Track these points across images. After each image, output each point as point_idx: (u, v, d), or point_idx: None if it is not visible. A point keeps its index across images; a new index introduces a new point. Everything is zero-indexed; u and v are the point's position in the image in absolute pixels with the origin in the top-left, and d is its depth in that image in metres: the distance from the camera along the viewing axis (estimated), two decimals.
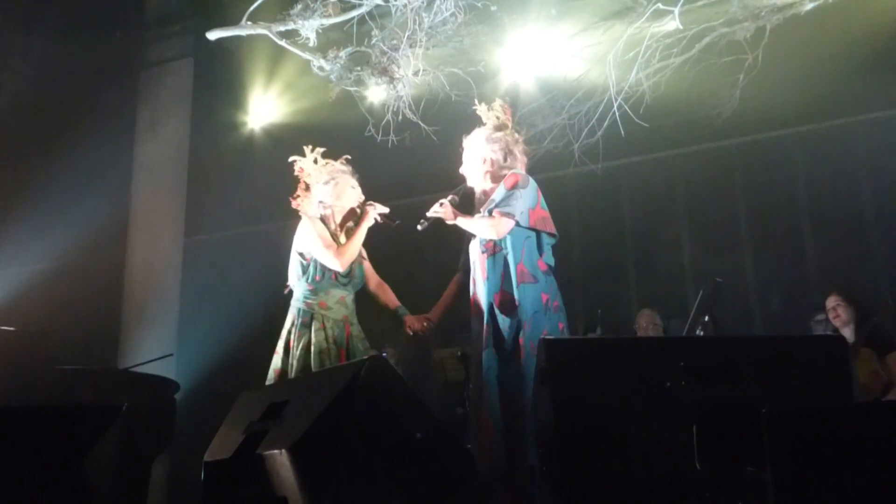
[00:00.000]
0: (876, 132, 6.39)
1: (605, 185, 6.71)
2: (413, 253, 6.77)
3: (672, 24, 5.37)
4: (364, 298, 4.53)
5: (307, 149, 4.61)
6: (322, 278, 4.29)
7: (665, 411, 2.63)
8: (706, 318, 5.37)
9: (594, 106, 5.69)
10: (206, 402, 6.71)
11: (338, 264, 4.24)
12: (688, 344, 3.62)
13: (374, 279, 4.52)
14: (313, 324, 4.23)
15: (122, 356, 7.66)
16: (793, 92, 6.29)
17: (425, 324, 4.28)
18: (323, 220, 4.42)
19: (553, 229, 4.02)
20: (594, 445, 2.57)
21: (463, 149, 4.25)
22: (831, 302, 5.48)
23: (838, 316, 5.42)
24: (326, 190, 4.47)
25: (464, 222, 4.05)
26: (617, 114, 5.41)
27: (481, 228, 4.00)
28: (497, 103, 4.29)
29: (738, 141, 6.80)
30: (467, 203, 4.23)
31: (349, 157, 4.63)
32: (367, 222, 4.35)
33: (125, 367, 6.34)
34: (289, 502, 2.83)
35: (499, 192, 4.01)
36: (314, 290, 4.30)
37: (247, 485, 3.04)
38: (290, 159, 4.61)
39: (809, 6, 5.27)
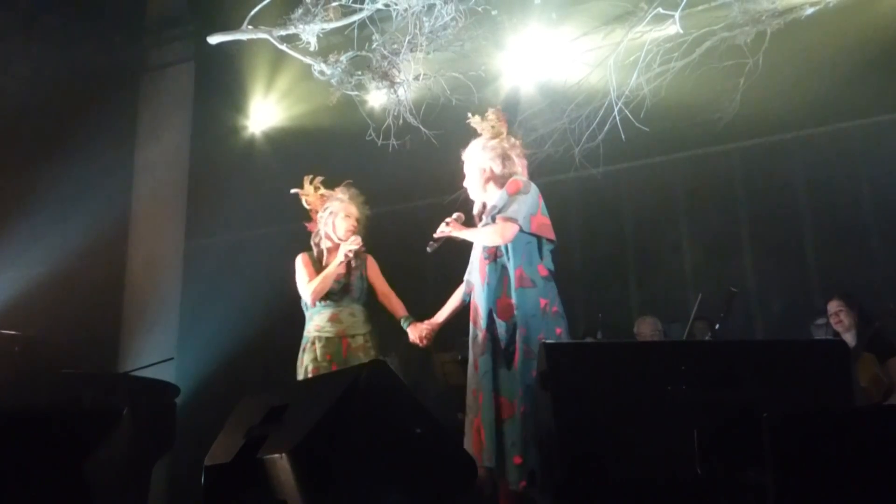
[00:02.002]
0: (877, 136, 6.38)
1: (606, 189, 6.71)
2: (413, 262, 6.77)
3: (672, 28, 5.38)
4: (373, 308, 4.67)
5: (306, 179, 4.74)
6: (316, 304, 4.50)
7: (666, 415, 2.63)
8: (717, 327, 5.37)
9: (595, 110, 5.69)
10: (206, 405, 6.70)
11: (308, 298, 4.47)
12: (688, 348, 3.62)
13: (380, 290, 4.65)
14: (308, 346, 4.47)
15: (122, 360, 7.68)
16: (793, 96, 6.28)
17: (424, 333, 4.34)
18: (318, 253, 4.62)
19: (552, 235, 4.00)
20: (595, 449, 2.57)
21: (463, 162, 4.23)
22: (833, 307, 5.47)
23: (840, 321, 5.42)
24: (322, 220, 4.65)
25: (468, 234, 4.04)
26: (618, 118, 5.41)
27: (486, 237, 3.97)
28: (490, 112, 4.24)
29: (739, 145, 6.79)
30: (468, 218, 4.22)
31: (350, 181, 4.72)
32: (338, 260, 4.45)
33: (126, 371, 6.35)
34: None
35: (501, 198, 3.99)
36: (310, 317, 4.54)
37: (247, 489, 3.04)
38: (292, 191, 4.73)
39: (810, 11, 5.28)
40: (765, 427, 2.14)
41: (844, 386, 2.82)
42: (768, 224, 6.77)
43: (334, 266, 4.44)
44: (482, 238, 4.00)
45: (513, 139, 4.21)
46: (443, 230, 4.08)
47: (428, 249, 4.12)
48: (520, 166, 4.15)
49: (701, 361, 2.80)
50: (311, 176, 4.73)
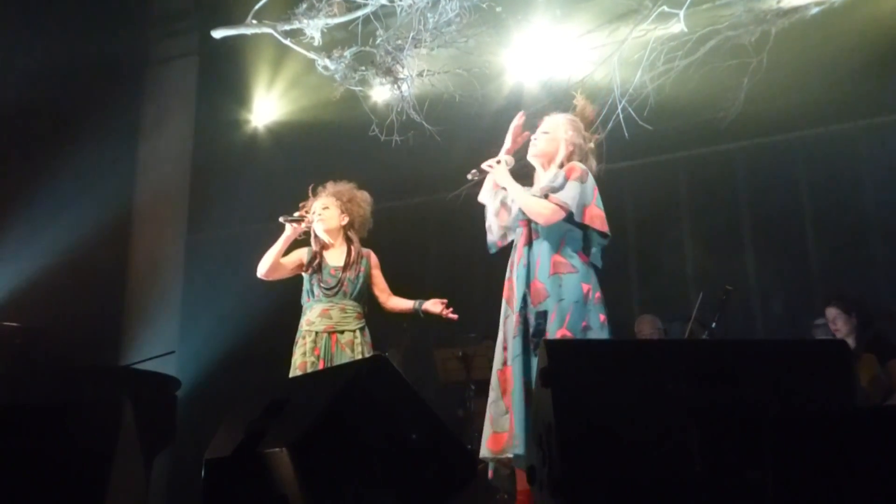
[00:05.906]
0: (880, 136, 6.38)
1: (608, 187, 6.61)
2: (415, 257, 6.76)
3: (677, 26, 5.37)
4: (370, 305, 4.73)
5: (301, 208, 4.82)
6: (310, 299, 4.59)
7: (665, 414, 2.63)
8: (714, 325, 5.38)
9: (598, 108, 5.68)
10: (207, 399, 6.72)
11: (259, 271, 4.68)
12: (689, 347, 3.62)
13: (383, 295, 4.72)
14: (299, 341, 4.55)
15: (123, 353, 7.69)
16: (797, 96, 6.28)
17: (445, 307, 4.48)
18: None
19: (605, 228, 3.92)
20: (594, 447, 2.57)
21: (541, 121, 4.15)
22: (830, 314, 5.46)
23: (838, 329, 5.40)
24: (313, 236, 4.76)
25: (512, 187, 3.93)
26: (621, 116, 5.40)
27: (531, 206, 3.86)
28: (589, 105, 4.24)
29: (742, 144, 6.79)
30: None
31: (313, 184, 4.82)
32: (284, 235, 4.61)
33: (127, 364, 6.35)
34: (289, 501, 2.83)
35: (558, 179, 3.88)
36: (304, 311, 4.61)
37: (247, 483, 3.04)
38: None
39: (815, 10, 5.27)
40: (765, 427, 2.14)
41: (845, 386, 2.81)
42: (770, 223, 6.77)
43: (281, 241, 4.60)
44: (527, 205, 3.89)
45: (598, 137, 4.21)
46: (490, 163, 4.00)
47: (468, 176, 4.07)
48: (587, 165, 4.08)
49: (701, 360, 2.79)
50: (302, 203, 4.82)
